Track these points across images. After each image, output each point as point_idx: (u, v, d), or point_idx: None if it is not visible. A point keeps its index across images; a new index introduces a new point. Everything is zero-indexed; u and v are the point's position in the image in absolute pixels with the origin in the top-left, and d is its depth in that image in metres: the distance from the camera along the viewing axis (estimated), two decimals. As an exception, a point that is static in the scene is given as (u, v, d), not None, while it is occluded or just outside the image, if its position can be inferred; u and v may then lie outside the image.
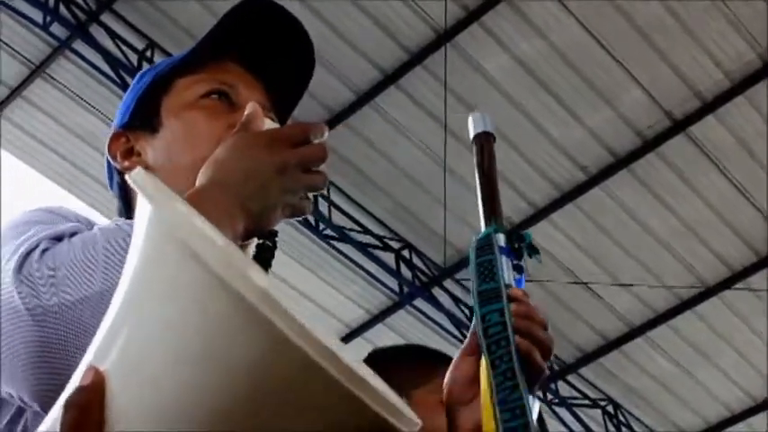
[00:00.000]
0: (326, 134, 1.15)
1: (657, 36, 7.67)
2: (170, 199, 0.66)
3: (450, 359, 2.30)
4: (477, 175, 1.35)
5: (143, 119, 1.35)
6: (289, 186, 1.11)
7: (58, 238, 1.11)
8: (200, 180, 1.12)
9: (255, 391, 0.63)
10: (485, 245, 1.28)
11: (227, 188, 1.08)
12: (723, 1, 7.44)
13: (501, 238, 1.29)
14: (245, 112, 1.19)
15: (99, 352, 0.69)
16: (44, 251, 1.08)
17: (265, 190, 1.10)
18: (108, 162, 1.37)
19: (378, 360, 1.81)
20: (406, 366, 2.20)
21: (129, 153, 1.35)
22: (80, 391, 0.67)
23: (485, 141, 1.37)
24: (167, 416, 0.64)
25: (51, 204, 1.24)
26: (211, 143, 1.21)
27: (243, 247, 1.18)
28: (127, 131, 1.36)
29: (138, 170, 0.69)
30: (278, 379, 0.62)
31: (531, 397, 1.17)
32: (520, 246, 1.29)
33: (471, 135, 1.38)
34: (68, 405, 0.67)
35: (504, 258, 1.26)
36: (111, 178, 1.38)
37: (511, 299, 1.22)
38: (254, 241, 1.21)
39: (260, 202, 1.09)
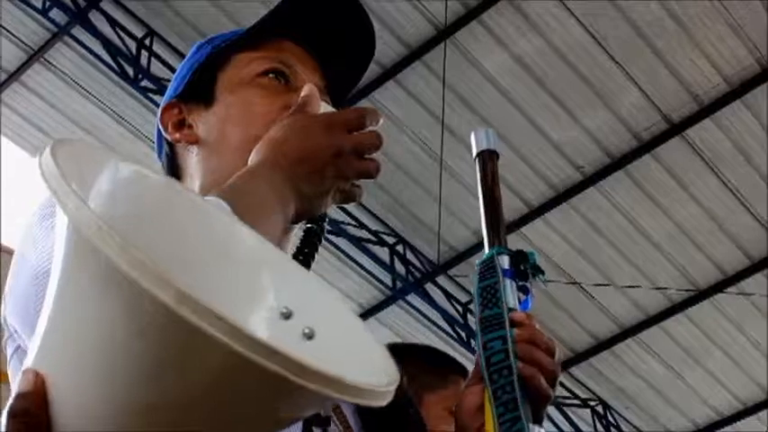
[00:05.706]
0: (381, 121, 1.14)
1: (656, 38, 7.67)
2: (69, 192, 0.61)
3: (461, 366, 2.29)
4: (480, 195, 1.30)
5: (198, 91, 1.32)
6: (343, 171, 1.10)
7: None
8: (253, 159, 1.10)
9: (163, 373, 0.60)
10: (488, 268, 1.23)
11: (280, 169, 1.07)
12: (723, 5, 7.45)
13: (505, 260, 1.24)
14: (302, 94, 1.18)
15: (37, 354, 0.67)
16: None
17: (320, 173, 1.09)
18: (158, 131, 1.34)
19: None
20: (420, 368, 2.18)
21: (181, 125, 1.31)
22: (22, 397, 0.65)
23: (488, 160, 1.33)
24: (105, 413, 0.62)
25: None
26: (266, 122, 1.20)
27: (289, 230, 1.17)
28: (180, 102, 1.33)
29: (46, 155, 0.64)
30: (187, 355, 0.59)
31: (536, 427, 1.14)
32: (525, 266, 1.24)
33: (474, 151, 1.33)
34: (13, 413, 0.65)
35: (508, 281, 1.22)
36: (159, 148, 1.35)
37: (514, 324, 1.18)
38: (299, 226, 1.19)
39: (313, 186, 1.09)
